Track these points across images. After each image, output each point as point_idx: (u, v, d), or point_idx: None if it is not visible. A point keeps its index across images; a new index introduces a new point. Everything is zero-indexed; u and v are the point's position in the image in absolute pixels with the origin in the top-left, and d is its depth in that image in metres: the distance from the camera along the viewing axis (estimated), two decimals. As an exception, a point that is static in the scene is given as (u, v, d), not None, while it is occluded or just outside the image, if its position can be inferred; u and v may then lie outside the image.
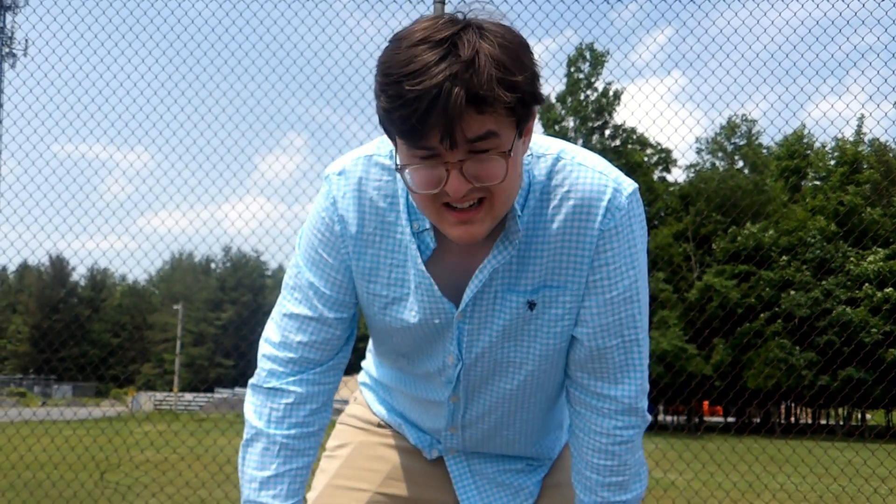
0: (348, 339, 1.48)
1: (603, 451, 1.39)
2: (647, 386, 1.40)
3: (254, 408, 1.44)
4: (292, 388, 1.42)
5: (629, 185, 1.30)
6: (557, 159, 1.30)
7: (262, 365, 1.45)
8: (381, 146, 1.36)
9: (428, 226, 1.32)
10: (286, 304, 1.44)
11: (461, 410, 1.48)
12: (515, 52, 1.09)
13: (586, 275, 1.31)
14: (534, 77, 1.12)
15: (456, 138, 1.08)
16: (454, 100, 1.04)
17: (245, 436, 1.44)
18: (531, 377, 1.42)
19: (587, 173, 1.29)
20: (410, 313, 1.37)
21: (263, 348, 1.46)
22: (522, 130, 1.16)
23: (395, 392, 1.62)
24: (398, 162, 1.18)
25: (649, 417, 1.42)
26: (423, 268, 1.33)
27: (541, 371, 1.41)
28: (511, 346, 1.38)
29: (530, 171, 1.29)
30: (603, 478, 1.40)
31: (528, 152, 1.30)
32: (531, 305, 1.33)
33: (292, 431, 1.41)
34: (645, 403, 1.40)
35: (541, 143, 1.32)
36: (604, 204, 1.27)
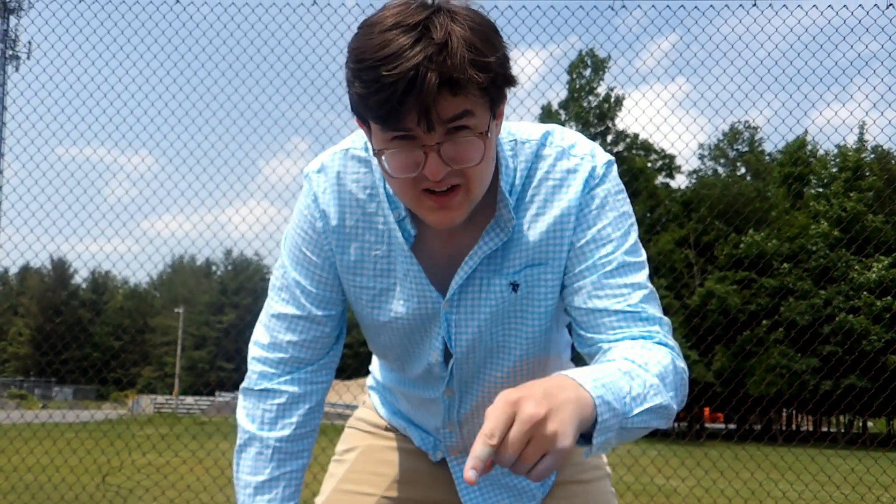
0: (338, 337, 1.49)
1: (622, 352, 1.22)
2: (665, 327, 1.29)
3: (246, 412, 1.44)
4: (284, 387, 1.43)
5: (604, 157, 1.33)
6: (541, 145, 1.32)
7: (253, 368, 1.46)
8: (356, 140, 1.37)
9: (405, 214, 1.32)
10: (274, 304, 1.45)
11: (456, 405, 1.48)
12: (486, 35, 1.11)
13: (567, 248, 1.31)
14: (505, 59, 1.14)
15: (433, 120, 1.09)
16: (430, 82, 1.05)
17: (238, 441, 1.44)
18: (521, 363, 1.41)
19: (565, 156, 1.32)
20: (398, 304, 1.37)
21: (253, 351, 1.47)
22: (496, 112, 1.18)
23: (397, 393, 1.62)
24: (374, 147, 1.18)
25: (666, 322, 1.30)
26: (411, 253, 1.34)
27: (530, 356, 1.40)
28: (499, 330, 1.37)
29: (516, 158, 1.31)
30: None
31: (512, 138, 1.32)
32: (514, 287, 1.33)
33: (285, 433, 1.42)
34: (665, 330, 1.29)
35: (524, 130, 1.34)
36: (580, 178, 1.30)
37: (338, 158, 1.38)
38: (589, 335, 1.31)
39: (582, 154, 1.32)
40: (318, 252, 1.40)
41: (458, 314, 1.36)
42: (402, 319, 1.38)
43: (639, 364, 1.14)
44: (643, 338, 1.26)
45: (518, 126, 1.34)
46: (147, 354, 66.74)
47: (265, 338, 1.45)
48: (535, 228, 1.31)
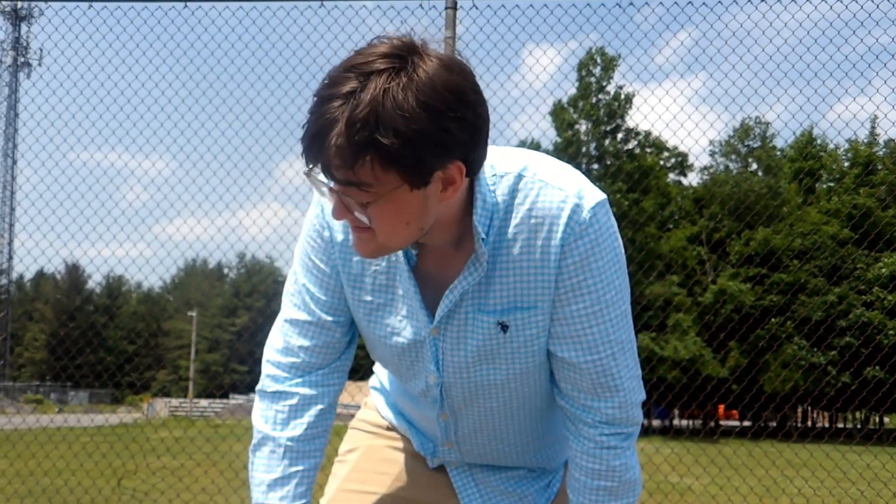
0: (350, 341, 1.51)
1: (589, 454, 1.38)
2: (633, 399, 1.37)
3: (260, 412, 1.47)
4: (296, 389, 1.46)
5: (592, 198, 1.27)
6: (519, 177, 1.29)
7: (266, 371, 1.48)
8: None
9: None
10: (286, 310, 1.48)
11: (452, 428, 1.50)
12: (424, 117, 1.07)
13: (553, 291, 1.29)
14: (440, 135, 1.09)
15: (330, 173, 1.12)
16: (329, 143, 1.08)
17: (252, 441, 1.47)
18: (514, 394, 1.43)
19: (547, 190, 1.27)
20: (393, 320, 1.39)
21: (267, 354, 1.49)
22: (424, 182, 1.13)
23: (399, 401, 1.65)
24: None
25: (639, 421, 1.40)
26: (411, 273, 1.35)
27: (523, 387, 1.42)
28: (489, 368, 1.38)
29: (494, 192, 1.28)
30: (591, 480, 1.39)
31: (493, 173, 1.29)
32: (504, 328, 1.33)
33: (297, 432, 1.44)
34: (632, 413, 1.38)
35: (504, 161, 1.31)
36: (564, 219, 1.25)
37: None
38: (556, 380, 1.40)
39: (566, 194, 1.26)
40: (325, 260, 1.42)
41: (444, 342, 1.37)
42: (395, 337, 1.40)
43: None
44: (595, 448, 1.37)
45: (500, 156, 1.31)
46: (161, 358, 67.04)
47: (279, 342, 1.48)
48: (519, 268, 1.29)
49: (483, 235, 1.26)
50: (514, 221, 1.28)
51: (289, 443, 1.43)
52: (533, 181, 1.28)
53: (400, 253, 1.34)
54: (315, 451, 1.46)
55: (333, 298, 1.43)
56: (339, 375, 1.50)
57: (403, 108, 1.06)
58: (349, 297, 1.43)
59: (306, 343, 1.45)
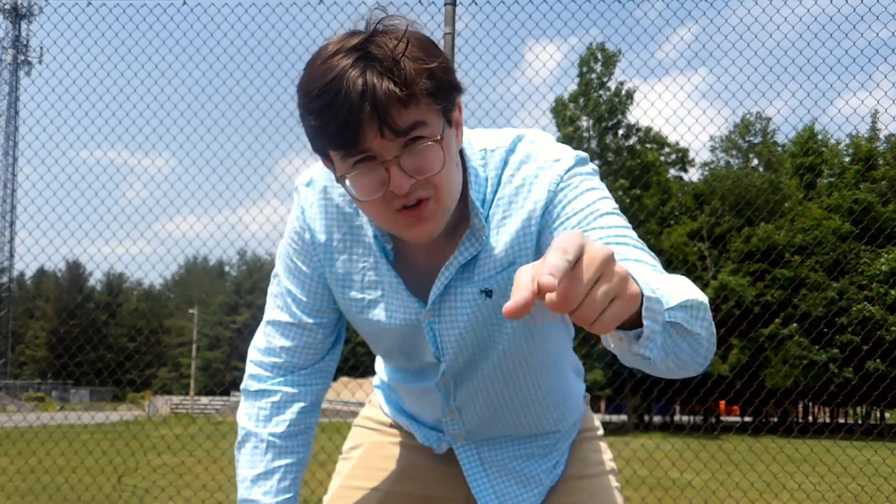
0: (335, 342, 1.52)
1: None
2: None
3: (244, 411, 1.49)
4: (278, 387, 1.47)
5: (571, 157, 1.29)
6: (510, 151, 1.32)
7: (250, 370, 1.50)
8: None
9: (378, 232, 1.34)
10: (269, 311, 1.49)
11: (452, 393, 1.50)
12: (424, 46, 1.13)
13: (535, 243, 1.29)
14: (447, 66, 1.15)
15: (392, 130, 1.10)
16: (380, 94, 1.07)
17: (237, 440, 1.49)
18: (509, 349, 1.42)
19: (531, 159, 1.30)
20: (386, 314, 1.40)
21: (251, 355, 1.51)
22: (450, 120, 1.19)
23: (399, 390, 1.65)
24: (337, 175, 1.19)
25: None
26: (390, 266, 1.36)
27: (517, 341, 1.41)
28: (482, 333, 1.38)
29: (486, 167, 1.31)
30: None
31: (482, 148, 1.32)
32: (488, 293, 1.33)
33: (279, 429, 1.45)
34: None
35: (493, 139, 1.34)
36: (546, 179, 1.28)
37: (325, 172, 1.39)
38: None
39: (546, 157, 1.29)
40: (307, 262, 1.42)
41: (440, 324, 1.38)
42: (392, 329, 1.41)
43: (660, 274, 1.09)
44: (643, 262, 1.15)
45: (489, 135, 1.34)
46: (162, 355, 67.10)
47: (262, 342, 1.50)
48: (502, 234, 1.30)
49: (481, 210, 1.28)
50: (507, 191, 1.30)
51: (271, 438, 1.44)
52: (522, 153, 1.31)
53: (378, 249, 1.35)
54: (299, 447, 1.47)
55: (314, 300, 1.44)
56: (323, 376, 1.51)
57: (418, 47, 1.11)
58: (338, 296, 1.43)
59: (288, 344, 1.46)
